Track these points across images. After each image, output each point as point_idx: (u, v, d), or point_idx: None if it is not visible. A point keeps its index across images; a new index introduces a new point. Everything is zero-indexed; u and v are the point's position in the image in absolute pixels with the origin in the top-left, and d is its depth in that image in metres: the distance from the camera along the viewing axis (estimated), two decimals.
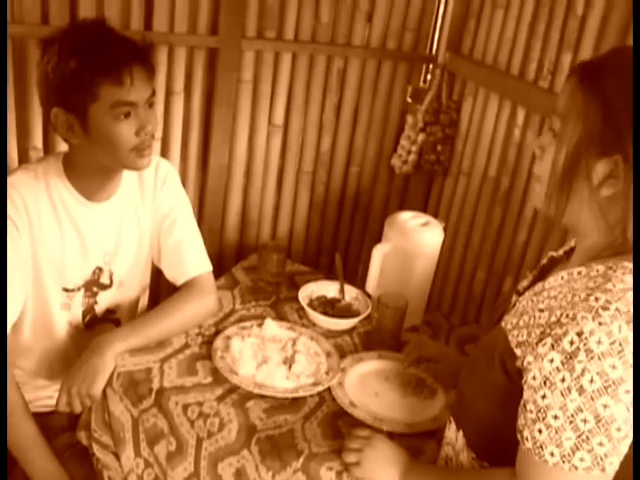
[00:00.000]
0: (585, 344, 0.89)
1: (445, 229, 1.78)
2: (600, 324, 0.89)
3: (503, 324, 1.05)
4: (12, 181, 1.41)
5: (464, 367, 1.20)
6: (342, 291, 1.81)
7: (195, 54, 1.96)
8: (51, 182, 1.44)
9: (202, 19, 1.93)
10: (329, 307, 1.75)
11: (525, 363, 0.96)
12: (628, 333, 0.88)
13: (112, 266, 1.57)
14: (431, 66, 2.24)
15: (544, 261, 1.19)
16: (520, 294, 1.13)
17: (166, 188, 1.59)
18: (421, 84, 2.26)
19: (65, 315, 1.55)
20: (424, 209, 2.27)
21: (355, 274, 2.30)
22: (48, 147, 1.86)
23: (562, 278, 1.00)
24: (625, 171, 0.94)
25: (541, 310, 0.98)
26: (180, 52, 1.93)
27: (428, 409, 1.43)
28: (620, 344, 0.88)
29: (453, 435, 1.17)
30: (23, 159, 1.84)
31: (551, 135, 1.02)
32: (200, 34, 1.94)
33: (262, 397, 1.40)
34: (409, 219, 1.74)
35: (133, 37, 1.39)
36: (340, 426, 1.35)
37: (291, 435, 1.31)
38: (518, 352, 0.99)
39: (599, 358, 0.88)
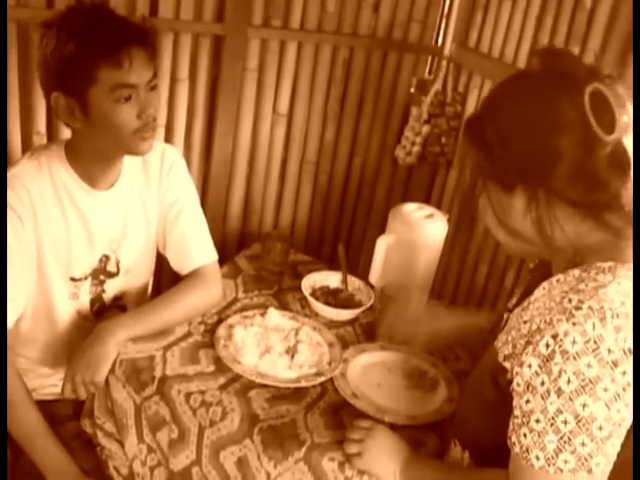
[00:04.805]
0: (560, 345, 0.90)
1: (448, 221, 1.78)
2: (574, 324, 0.89)
3: (496, 342, 1.06)
4: (16, 172, 1.39)
5: (463, 390, 1.21)
6: (345, 281, 1.81)
7: (200, 41, 1.95)
8: (54, 170, 1.43)
9: (208, 6, 1.92)
10: (332, 297, 1.75)
11: (514, 373, 0.97)
12: (602, 331, 0.88)
13: (119, 254, 1.56)
14: (437, 58, 2.23)
15: (528, 277, 1.21)
16: (510, 311, 1.13)
17: (172, 176, 1.58)
18: (426, 76, 2.25)
19: (73, 305, 1.54)
20: (427, 201, 2.26)
21: (357, 265, 2.30)
22: (52, 132, 1.86)
23: (544, 289, 1.01)
24: (535, 197, 0.97)
25: (525, 322, 0.99)
26: (185, 39, 1.93)
27: (430, 401, 1.43)
28: (595, 342, 0.88)
29: (458, 456, 1.17)
30: (26, 144, 1.83)
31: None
32: (206, 21, 1.93)
33: (264, 387, 1.40)
34: (413, 211, 1.74)
35: (133, 20, 1.38)
36: (342, 417, 1.36)
37: (293, 425, 1.31)
38: (507, 365, 1.00)
39: (574, 358, 0.89)
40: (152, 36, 1.37)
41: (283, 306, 1.71)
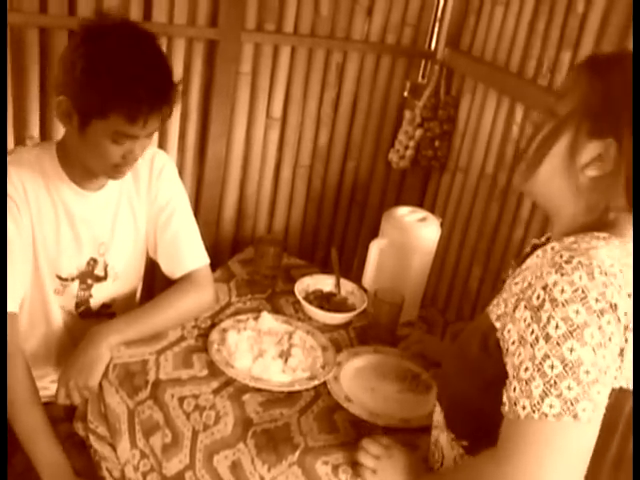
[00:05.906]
0: (550, 295, 0.92)
1: (441, 225, 1.78)
2: (562, 275, 0.91)
3: (488, 307, 1.08)
4: (10, 160, 1.41)
5: (447, 351, 1.21)
6: (338, 285, 1.82)
7: (194, 46, 1.95)
8: (46, 167, 1.44)
9: (202, 10, 1.92)
10: (325, 301, 1.75)
11: (505, 332, 0.98)
12: (588, 283, 0.90)
13: (107, 258, 1.56)
14: (430, 62, 2.24)
15: (527, 249, 1.21)
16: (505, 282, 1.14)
17: (162, 180, 1.58)
18: (419, 79, 2.27)
19: (58, 300, 1.54)
20: (420, 204, 2.27)
21: (350, 268, 2.30)
22: (45, 137, 1.86)
23: (537, 256, 1.02)
24: (616, 156, 0.97)
25: (516, 283, 1.01)
26: (179, 43, 1.92)
27: (423, 405, 1.43)
28: (583, 291, 0.90)
29: (439, 417, 1.18)
30: None
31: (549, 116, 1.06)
32: (199, 26, 1.94)
33: (258, 390, 1.40)
34: (406, 214, 1.74)
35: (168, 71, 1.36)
36: (336, 420, 1.36)
37: (287, 429, 1.31)
38: (498, 325, 1.01)
39: (563, 305, 0.90)
40: (176, 99, 1.37)
41: (276, 310, 1.71)
